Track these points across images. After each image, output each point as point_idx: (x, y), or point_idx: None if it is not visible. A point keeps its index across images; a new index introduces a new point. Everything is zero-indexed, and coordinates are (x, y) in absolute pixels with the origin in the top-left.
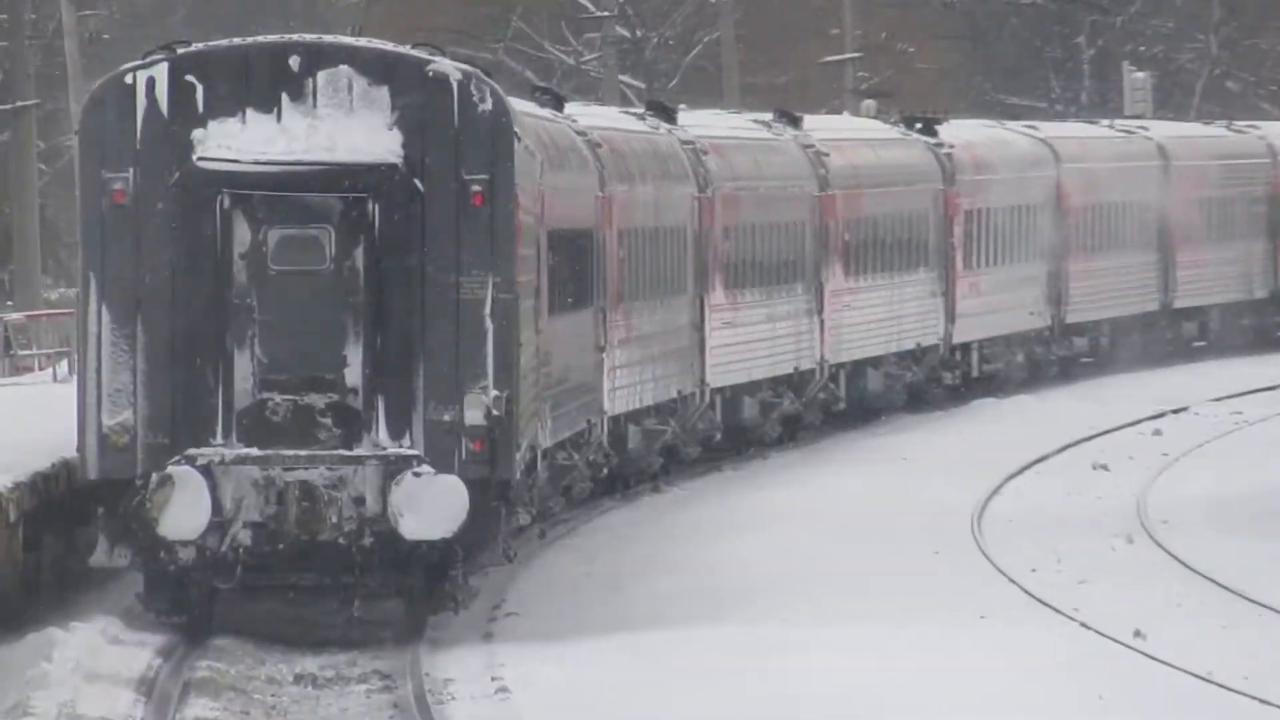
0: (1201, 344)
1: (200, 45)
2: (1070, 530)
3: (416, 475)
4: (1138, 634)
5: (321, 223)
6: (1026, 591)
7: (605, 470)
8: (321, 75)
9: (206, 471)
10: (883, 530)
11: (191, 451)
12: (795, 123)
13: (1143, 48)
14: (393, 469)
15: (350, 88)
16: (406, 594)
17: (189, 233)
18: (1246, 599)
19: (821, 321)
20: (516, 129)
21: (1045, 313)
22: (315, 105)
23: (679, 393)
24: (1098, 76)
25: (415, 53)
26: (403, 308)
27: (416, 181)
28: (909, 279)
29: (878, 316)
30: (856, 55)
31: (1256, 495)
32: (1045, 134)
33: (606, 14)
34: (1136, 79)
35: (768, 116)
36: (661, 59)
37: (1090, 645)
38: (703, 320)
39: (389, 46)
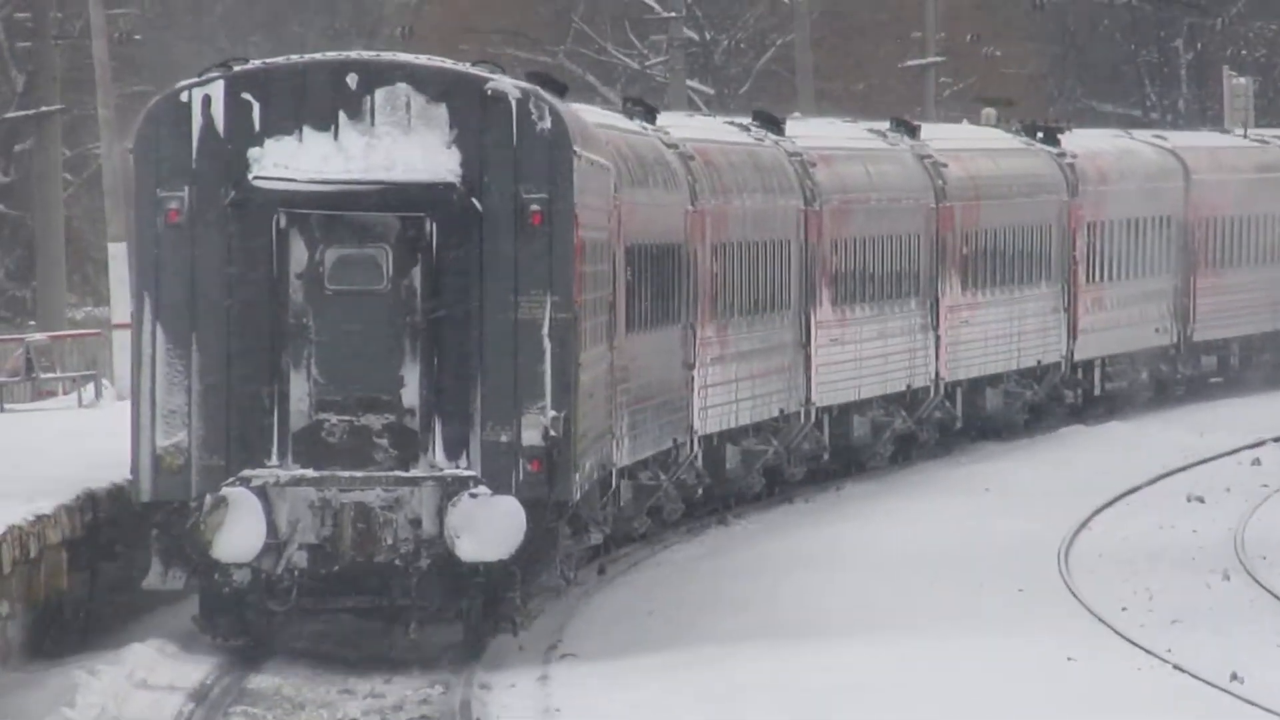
0: None
1: (257, 63)
2: (1163, 566)
3: (473, 496)
4: (1235, 677)
5: (379, 242)
6: (1117, 631)
7: (699, 491)
8: (379, 93)
9: (261, 493)
10: (963, 566)
11: (246, 473)
12: (913, 132)
13: (1244, 52)
14: (449, 490)
15: (408, 106)
16: (464, 616)
17: (245, 252)
18: None
19: (938, 337)
20: (578, 146)
21: (1172, 330)
22: (373, 124)
23: (781, 411)
24: (1196, 82)
25: (474, 70)
26: (460, 328)
27: (474, 201)
28: (1030, 293)
29: (997, 332)
30: (939, 59)
31: None
32: (1173, 144)
33: (673, 15)
34: (1238, 85)
35: (884, 125)
36: (732, 63)
37: (1185, 688)
38: (808, 337)
39: (447, 64)
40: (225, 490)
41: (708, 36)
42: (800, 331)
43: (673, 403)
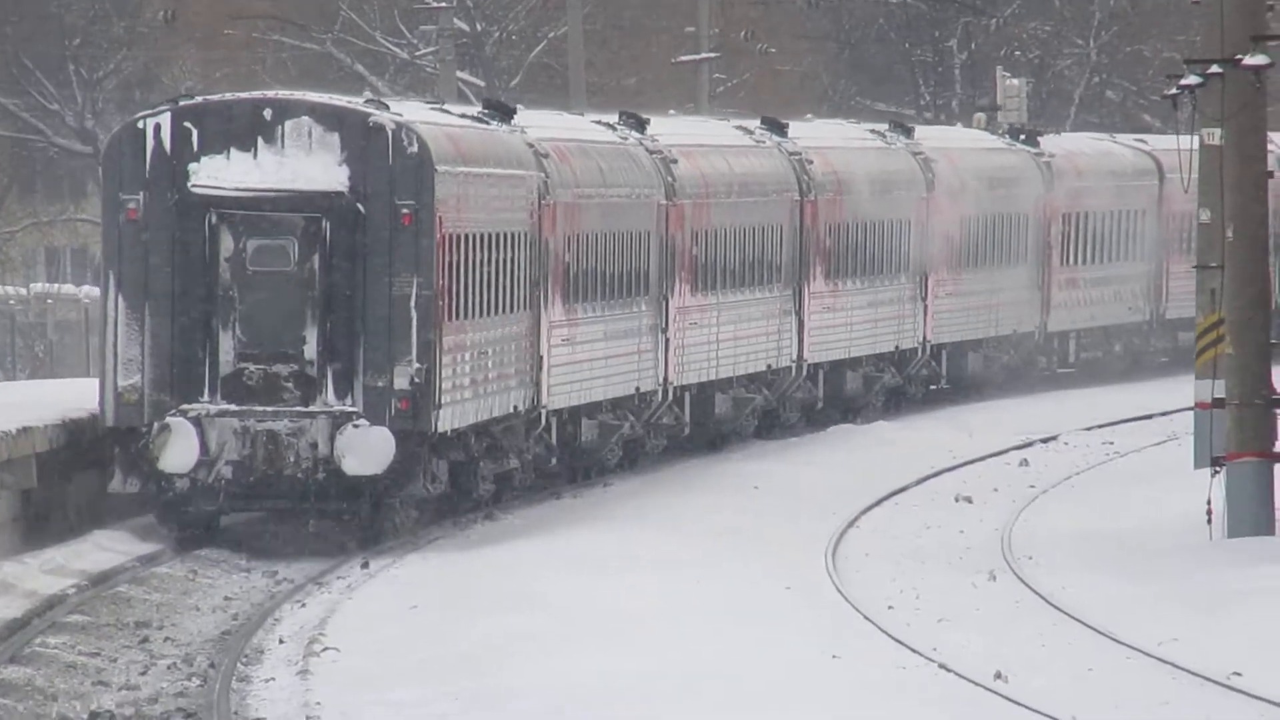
0: None
1: (197, 99)
2: (930, 566)
3: (356, 427)
4: (999, 676)
5: (287, 235)
6: (882, 630)
7: (686, 431)
8: (288, 124)
9: (196, 422)
10: (728, 565)
11: (185, 406)
12: (908, 133)
13: (1018, 52)
14: (338, 422)
15: (310, 133)
16: (356, 516)
17: (185, 241)
18: (1113, 639)
19: (925, 307)
20: (439, 165)
21: (1144, 308)
22: (283, 146)
23: (769, 366)
24: (970, 82)
25: (362, 107)
26: (348, 300)
27: (359, 205)
28: (1007, 272)
29: (977, 304)
30: (713, 55)
31: (1124, 531)
32: (1151, 147)
33: (444, 5)
34: (1011, 85)
35: (884, 127)
36: (503, 55)
37: (949, 687)
38: (801, 305)
39: (341, 101)
40: (169, 419)
41: (479, 28)
42: (792, 300)
43: (638, 358)
